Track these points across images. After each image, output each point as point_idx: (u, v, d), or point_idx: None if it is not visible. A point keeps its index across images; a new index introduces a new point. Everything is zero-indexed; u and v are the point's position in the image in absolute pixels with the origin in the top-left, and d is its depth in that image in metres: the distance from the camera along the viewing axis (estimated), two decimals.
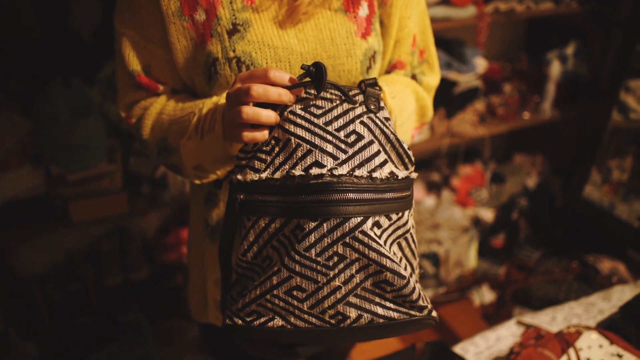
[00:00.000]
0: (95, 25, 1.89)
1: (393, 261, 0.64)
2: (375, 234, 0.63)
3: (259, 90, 0.63)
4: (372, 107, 0.67)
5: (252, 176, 0.65)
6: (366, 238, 0.62)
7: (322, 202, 0.61)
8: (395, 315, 0.67)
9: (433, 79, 0.94)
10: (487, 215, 2.43)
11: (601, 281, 2.08)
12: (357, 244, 0.62)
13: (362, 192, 0.62)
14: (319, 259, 0.63)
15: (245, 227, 0.68)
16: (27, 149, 1.59)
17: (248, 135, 0.66)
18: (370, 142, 0.65)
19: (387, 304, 0.67)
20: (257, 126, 0.67)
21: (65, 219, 1.58)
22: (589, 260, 2.19)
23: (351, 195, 0.61)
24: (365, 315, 0.66)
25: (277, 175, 0.64)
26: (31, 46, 1.82)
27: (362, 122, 0.65)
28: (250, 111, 0.64)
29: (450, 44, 2.21)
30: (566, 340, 1.09)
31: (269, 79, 0.64)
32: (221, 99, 0.77)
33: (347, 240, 0.62)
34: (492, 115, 2.32)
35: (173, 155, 0.83)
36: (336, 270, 0.64)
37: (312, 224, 0.62)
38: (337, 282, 0.64)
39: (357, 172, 0.63)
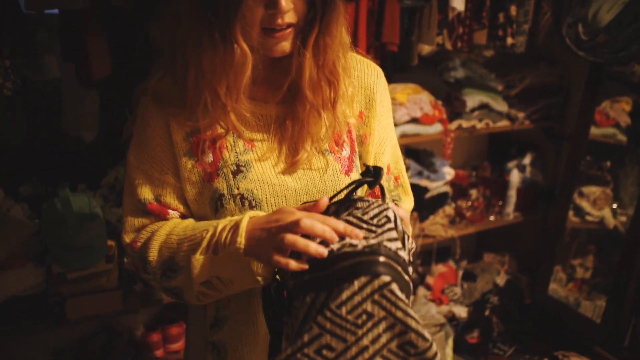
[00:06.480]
0: (96, 136, 2.09)
1: (418, 322, 0.66)
2: (401, 295, 0.67)
3: (306, 222, 0.71)
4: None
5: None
6: (394, 297, 0.66)
7: (355, 264, 0.67)
8: None
9: (408, 203, 1.09)
10: (462, 312, 2.55)
11: None
12: (384, 301, 0.66)
13: (390, 259, 0.68)
14: (349, 317, 0.66)
15: (295, 308, 0.72)
16: (31, 250, 1.70)
17: (282, 260, 0.72)
18: (393, 228, 0.72)
19: None
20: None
21: (61, 316, 1.65)
22: (559, 356, 2.30)
23: (382, 259, 0.67)
24: None
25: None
26: (38, 154, 1.99)
27: (387, 211, 0.74)
28: (302, 241, 0.70)
29: (421, 154, 2.46)
30: None
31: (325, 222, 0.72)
32: (243, 217, 0.81)
33: (376, 297, 0.66)
34: (461, 218, 2.53)
35: (179, 275, 0.85)
36: (364, 329, 0.66)
37: (345, 284, 0.66)
38: (365, 342, 0.67)
39: (386, 244, 0.69)
